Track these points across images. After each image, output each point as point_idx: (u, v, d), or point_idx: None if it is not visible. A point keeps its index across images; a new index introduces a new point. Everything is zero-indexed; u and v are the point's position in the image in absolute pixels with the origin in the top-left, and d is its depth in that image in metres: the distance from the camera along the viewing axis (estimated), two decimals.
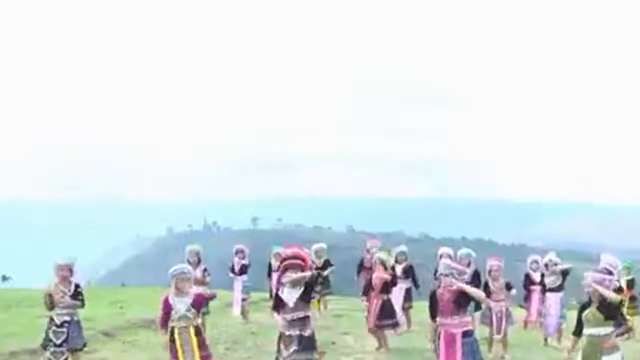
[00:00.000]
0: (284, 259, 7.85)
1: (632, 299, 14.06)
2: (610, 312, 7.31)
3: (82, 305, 9.10)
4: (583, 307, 7.56)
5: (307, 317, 7.70)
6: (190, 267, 8.38)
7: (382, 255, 11.82)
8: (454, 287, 7.60)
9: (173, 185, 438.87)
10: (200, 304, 7.92)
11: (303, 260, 7.80)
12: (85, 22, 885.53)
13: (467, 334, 7.64)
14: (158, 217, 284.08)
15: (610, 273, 8.82)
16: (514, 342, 11.68)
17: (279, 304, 7.79)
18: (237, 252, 15.35)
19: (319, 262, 15.63)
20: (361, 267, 15.35)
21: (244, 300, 14.92)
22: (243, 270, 15.08)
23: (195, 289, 8.14)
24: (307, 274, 7.68)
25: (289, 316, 7.65)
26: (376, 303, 11.31)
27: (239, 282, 14.96)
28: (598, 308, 7.32)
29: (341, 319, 15.09)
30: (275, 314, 7.94)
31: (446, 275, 7.70)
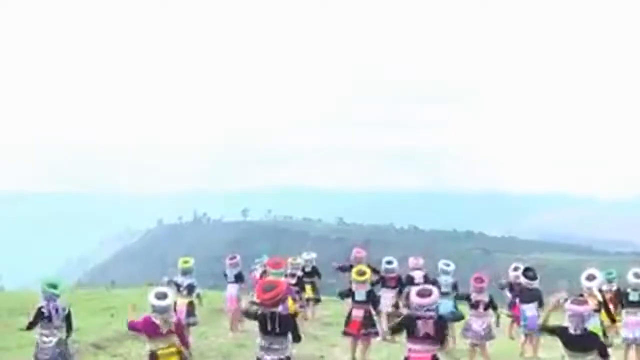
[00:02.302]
0: (264, 301, 8.02)
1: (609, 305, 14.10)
2: (592, 343, 7.64)
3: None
4: (563, 331, 7.78)
5: None
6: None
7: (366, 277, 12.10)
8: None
9: (163, 177, 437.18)
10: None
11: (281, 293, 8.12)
12: (78, 15, 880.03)
13: None
14: (148, 209, 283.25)
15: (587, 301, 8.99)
16: (498, 352, 11.67)
17: None
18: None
19: (307, 268, 16.19)
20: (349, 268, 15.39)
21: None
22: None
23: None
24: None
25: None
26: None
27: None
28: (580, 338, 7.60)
29: (330, 328, 14.95)
30: None
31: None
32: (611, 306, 12.79)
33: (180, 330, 8.67)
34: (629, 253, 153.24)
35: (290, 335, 8.05)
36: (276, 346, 7.91)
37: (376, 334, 11.83)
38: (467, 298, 11.85)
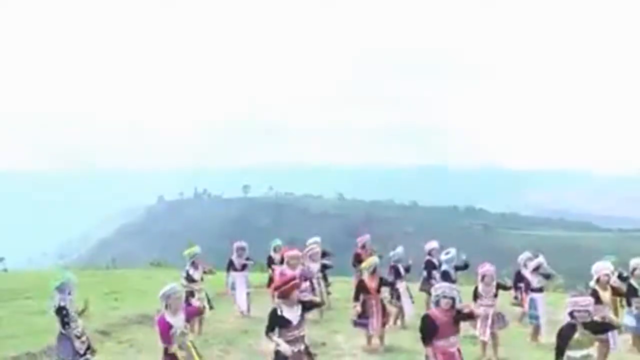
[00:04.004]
0: (281, 286, 8.00)
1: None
2: (598, 327, 7.73)
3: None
4: (564, 332, 7.71)
5: (304, 332, 8.05)
6: (179, 286, 8.41)
7: (365, 265, 12.13)
8: (450, 309, 8.11)
9: (163, 154, 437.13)
10: (191, 316, 8.44)
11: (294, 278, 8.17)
12: None
13: (459, 351, 8.15)
14: (149, 186, 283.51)
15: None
16: (502, 341, 11.65)
17: (281, 324, 7.87)
18: (237, 250, 15.08)
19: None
20: (358, 262, 15.50)
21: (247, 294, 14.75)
22: (244, 266, 14.90)
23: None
24: (317, 300, 8.49)
25: (291, 334, 7.84)
26: (376, 304, 11.81)
27: (241, 278, 14.81)
28: (587, 328, 7.58)
29: (332, 313, 14.84)
30: (273, 336, 7.91)
31: (450, 298, 8.15)
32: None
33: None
34: (630, 230, 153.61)
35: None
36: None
37: (360, 324, 11.85)
38: (475, 290, 11.77)
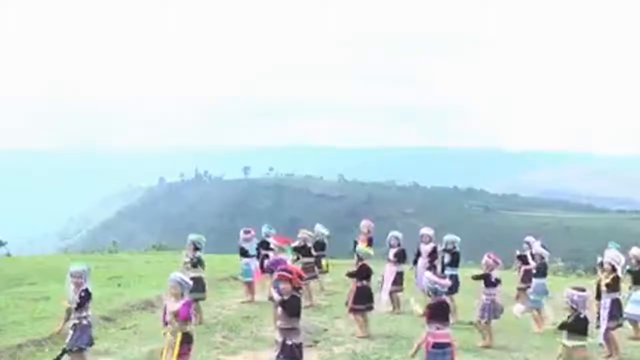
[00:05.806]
0: (281, 269, 8.14)
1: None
2: (583, 327, 7.81)
3: (77, 307, 8.79)
4: (572, 315, 7.97)
5: (293, 329, 7.88)
6: (184, 278, 8.38)
7: (361, 249, 12.34)
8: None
9: (164, 135, 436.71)
10: (182, 314, 8.02)
11: (291, 273, 8.02)
12: None
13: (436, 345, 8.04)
14: (149, 167, 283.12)
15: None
16: (499, 327, 11.72)
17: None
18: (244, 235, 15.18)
19: (313, 241, 15.68)
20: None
21: (250, 283, 14.79)
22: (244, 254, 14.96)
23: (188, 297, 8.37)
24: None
25: (277, 323, 8.11)
26: (352, 289, 11.96)
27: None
28: (575, 322, 7.81)
29: (333, 298, 14.91)
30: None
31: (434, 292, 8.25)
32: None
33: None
34: (630, 211, 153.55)
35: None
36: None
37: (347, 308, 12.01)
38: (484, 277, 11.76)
